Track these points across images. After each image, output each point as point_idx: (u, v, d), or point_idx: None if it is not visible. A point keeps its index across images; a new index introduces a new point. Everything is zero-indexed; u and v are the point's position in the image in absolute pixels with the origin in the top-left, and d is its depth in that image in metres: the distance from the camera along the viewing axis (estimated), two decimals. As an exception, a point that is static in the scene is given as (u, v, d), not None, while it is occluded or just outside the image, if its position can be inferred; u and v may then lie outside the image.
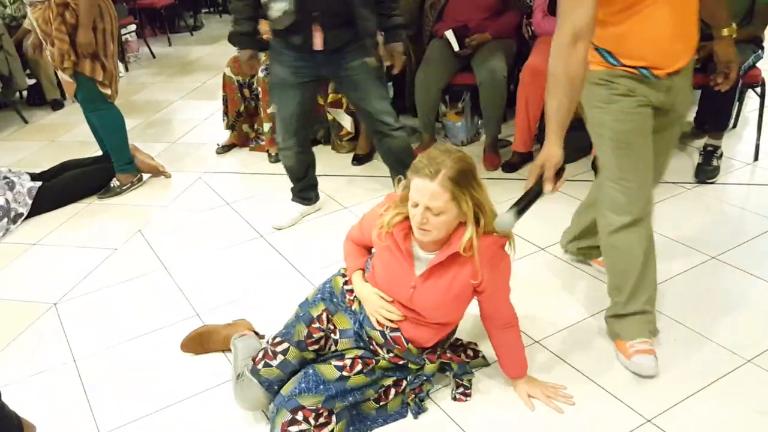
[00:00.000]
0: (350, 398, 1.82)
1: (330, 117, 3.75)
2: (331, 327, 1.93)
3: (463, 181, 1.65)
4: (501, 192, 3.19)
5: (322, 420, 1.77)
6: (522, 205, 1.62)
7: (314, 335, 1.92)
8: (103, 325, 2.47)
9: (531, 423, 1.85)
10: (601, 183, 1.97)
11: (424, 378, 1.92)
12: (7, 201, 3.29)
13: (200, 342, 2.23)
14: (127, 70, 6.31)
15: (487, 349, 2.08)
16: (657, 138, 1.91)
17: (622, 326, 2.05)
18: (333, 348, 1.94)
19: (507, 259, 1.82)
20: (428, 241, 1.75)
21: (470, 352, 2.08)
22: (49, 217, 3.40)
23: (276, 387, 1.86)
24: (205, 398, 2.05)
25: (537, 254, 2.66)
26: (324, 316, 1.93)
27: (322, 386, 1.79)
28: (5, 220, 3.26)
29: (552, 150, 1.66)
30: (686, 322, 2.19)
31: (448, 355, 1.98)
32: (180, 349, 2.25)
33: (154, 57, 6.84)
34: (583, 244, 2.45)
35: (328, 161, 3.77)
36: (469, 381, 1.98)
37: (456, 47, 3.45)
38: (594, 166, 3.13)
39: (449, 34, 3.46)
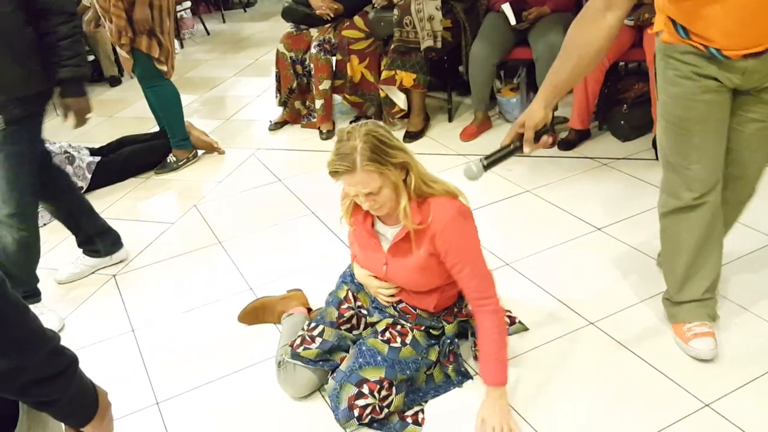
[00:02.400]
0: (407, 371, 1.83)
1: (382, 94, 3.72)
2: (359, 304, 1.98)
3: (380, 153, 1.60)
4: (555, 170, 3.13)
5: (384, 392, 1.79)
6: (493, 159, 1.58)
7: (345, 315, 1.98)
8: (161, 297, 2.53)
9: (584, 403, 1.81)
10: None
11: (448, 341, 1.92)
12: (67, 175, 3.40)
13: (256, 315, 2.28)
14: (182, 47, 6.41)
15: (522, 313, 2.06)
16: (747, 131, 1.79)
17: (678, 310, 2.00)
18: (364, 324, 1.99)
19: (465, 224, 1.73)
20: (387, 215, 1.75)
21: (506, 319, 2.08)
22: (108, 191, 3.49)
23: (321, 363, 1.91)
24: (259, 369, 2.08)
25: (592, 234, 2.59)
26: (350, 295, 1.99)
27: (379, 357, 1.82)
28: (67, 193, 3.37)
29: (535, 110, 1.58)
30: (749, 306, 2.10)
31: (464, 312, 1.98)
32: (237, 320, 2.29)
33: (208, 34, 6.91)
34: None
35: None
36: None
37: (513, 21, 3.36)
38: (654, 145, 3.02)
39: (506, 8, 3.36)
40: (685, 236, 1.89)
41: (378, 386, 1.78)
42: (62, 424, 0.96)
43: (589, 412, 1.80)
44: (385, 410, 1.79)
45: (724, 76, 1.69)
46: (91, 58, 5.44)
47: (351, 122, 3.99)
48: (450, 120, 3.88)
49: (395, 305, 1.91)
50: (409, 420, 1.82)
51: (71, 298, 2.57)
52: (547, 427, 1.76)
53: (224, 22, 7.39)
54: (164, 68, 3.41)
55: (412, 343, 1.88)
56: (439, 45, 3.50)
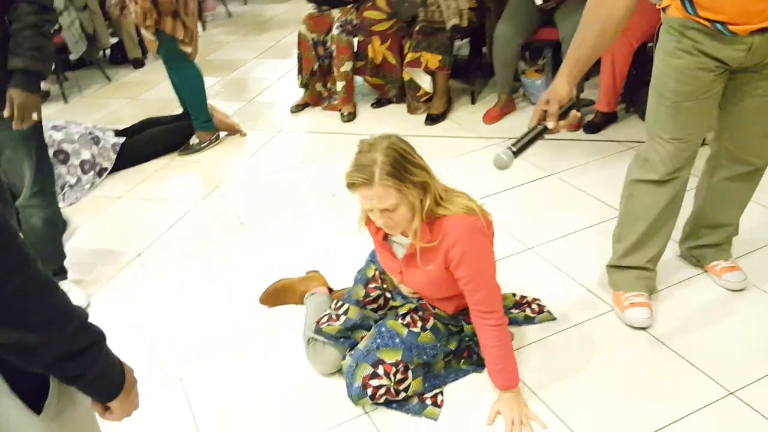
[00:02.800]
0: (424, 356, 1.83)
1: (406, 77, 3.69)
2: (385, 286, 1.98)
3: (400, 170, 1.53)
4: (580, 154, 3.09)
5: (399, 376, 1.79)
6: (521, 144, 1.52)
7: (371, 294, 1.97)
8: (184, 277, 2.56)
9: (607, 389, 1.80)
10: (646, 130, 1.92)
11: (467, 337, 1.91)
12: (92, 155, 3.43)
13: (277, 296, 2.29)
14: (204, 29, 6.41)
15: (544, 298, 2.05)
16: (751, 106, 1.79)
17: (618, 277, 2.07)
18: (390, 305, 1.99)
19: (475, 239, 1.65)
20: (401, 233, 1.71)
21: (535, 307, 2.09)
22: (133, 171, 3.52)
23: (342, 340, 1.92)
24: (281, 349, 2.10)
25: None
26: (377, 275, 1.98)
27: (397, 339, 1.82)
28: (91, 173, 3.41)
29: (559, 84, 1.57)
30: (780, 294, 2.07)
31: None
32: (258, 302, 2.31)
33: (230, 16, 6.91)
34: (694, 243, 2.21)
35: (401, 121, 3.74)
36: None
37: (539, 0, 3.30)
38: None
39: (532, -13, 3.31)
40: (649, 205, 1.94)
41: (393, 368, 1.78)
42: (89, 398, 0.97)
43: (611, 398, 1.78)
44: (402, 393, 1.80)
45: (727, 54, 1.68)
46: (114, 40, 5.48)
47: (372, 105, 3.98)
48: (473, 102, 3.85)
49: (415, 300, 1.91)
50: (429, 401, 1.82)
51: (96, 277, 2.61)
52: (569, 413, 1.75)
53: (246, 3, 7.38)
54: (188, 50, 3.42)
55: (432, 329, 1.87)
56: (465, 23, 3.46)
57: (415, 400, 1.82)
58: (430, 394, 1.84)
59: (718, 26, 1.62)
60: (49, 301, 0.81)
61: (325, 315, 1.98)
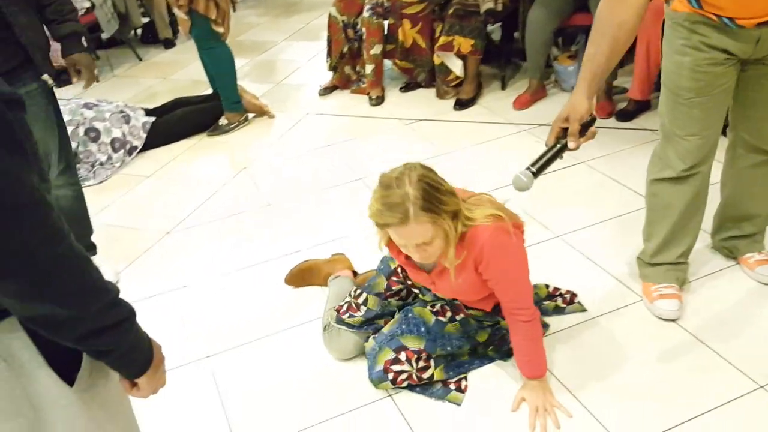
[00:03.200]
0: (448, 347, 1.82)
1: (437, 61, 3.65)
2: (410, 282, 1.94)
3: (434, 202, 1.47)
4: (610, 142, 3.04)
5: (422, 363, 1.79)
6: (541, 164, 1.47)
7: (393, 288, 1.94)
8: (211, 256, 2.58)
9: (633, 380, 1.78)
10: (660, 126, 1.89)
11: (504, 332, 1.89)
12: (123, 134, 3.47)
13: (302, 277, 2.30)
14: (234, 10, 6.41)
15: (572, 286, 2.03)
16: (764, 97, 1.76)
17: (649, 270, 2.05)
18: (413, 297, 1.96)
19: (509, 247, 1.61)
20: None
21: (567, 297, 2.07)
22: (162, 151, 3.56)
23: (364, 327, 1.92)
24: (305, 329, 2.11)
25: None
26: (401, 269, 1.94)
27: (423, 328, 1.81)
28: (122, 152, 3.45)
29: (578, 101, 1.51)
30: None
31: None
32: (284, 282, 2.32)
33: (260, -3, 6.90)
34: (725, 234, 2.18)
35: (429, 106, 3.71)
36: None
37: (573, -15, 3.25)
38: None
39: (566, -28, 3.25)
40: (673, 204, 1.93)
41: (415, 356, 1.78)
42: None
43: (638, 389, 1.76)
44: (425, 380, 1.80)
45: (735, 46, 1.65)
46: (146, 20, 5.52)
47: (401, 89, 3.95)
48: (503, 88, 3.80)
49: (451, 299, 1.87)
50: (452, 386, 1.82)
51: (124, 255, 2.64)
52: (595, 402, 1.73)
53: (277, -15, 7.36)
54: (221, 30, 3.42)
55: (461, 321, 1.84)
56: (500, 7, 3.42)
57: (439, 385, 1.82)
58: (454, 379, 1.84)
59: (725, 20, 1.60)
60: (83, 276, 0.82)
61: (345, 303, 1.97)
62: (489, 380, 1.85)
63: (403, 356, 1.78)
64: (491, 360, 1.90)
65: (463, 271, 1.64)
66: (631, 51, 3.22)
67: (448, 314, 1.85)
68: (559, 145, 1.51)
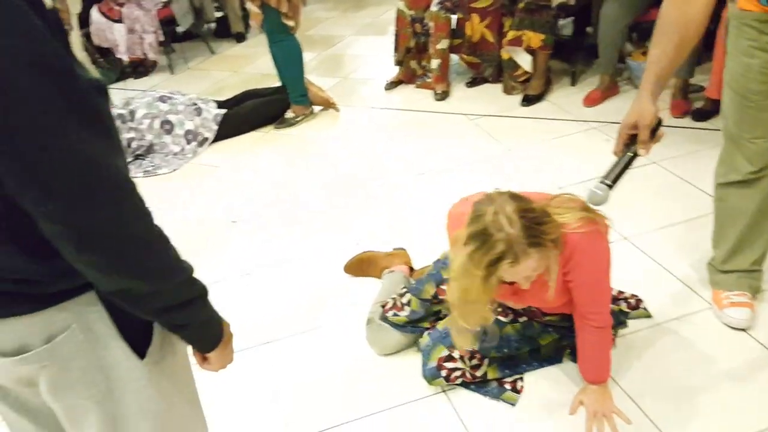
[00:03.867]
0: (504, 349, 1.80)
1: (505, 56, 3.60)
2: None
3: (538, 235, 1.40)
4: (685, 142, 2.93)
5: (475, 362, 1.78)
6: (615, 175, 1.44)
7: (440, 296, 1.89)
8: (276, 244, 2.64)
9: (698, 388, 1.71)
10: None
11: (571, 338, 1.82)
12: (195, 126, 3.59)
13: (360, 267, 2.33)
14: (305, 4, 6.49)
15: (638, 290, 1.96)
16: None
17: (722, 278, 1.98)
18: None
19: (601, 252, 1.58)
20: None
21: (632, 302, 2.01)
22: (232, 142, 3.65)
23: (408, 327, 1.92)
24: (362, 323, 2.13)
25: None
26: None
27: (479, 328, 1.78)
28: (193, 143, 3.56)
29: (645, 107, 1.45)
30: None
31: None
32: (342, 270, 2.36)
33: (330, -8, 6.98)
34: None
35: (495, 101, 3.66)
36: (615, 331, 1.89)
37: (649, -21, 3.13)
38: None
39: (643, -35, 3.14)
40: (741, 208, 1.85)
41: (469, 354, 1.77)
42: (188, 347, 1.03)
43: (701, 399, 1.70)
44: (479, 378, 1.78)
45: None
46: (219, 14, 5.67)
47: (467, 84, 3.92)
48: (573, 84, 3.71)
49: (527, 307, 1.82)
50: (508, 386, 1.80)
51: (192, 240, 2.73)
52: (656, 410, 1.68)
53: (347, -20, 7.42)
54: (291, 23, 3.48)
55: (524, 324, 1.81)
56: (572, 1, 3.34)
57: (494, 384, 1.81)
58: (510, 379, 1.81)
59: None
60: (163, 253, 0.86)
61: (391, 300, 1.97)
62: (546, 381, 1.82)
63: (456, 354, 1.77)
64: (550, 363, 1.86)
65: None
66: (708, 48, 3.09)
67: (510, 315, 1.82)
68: (630, 154, 1.48)
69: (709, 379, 1.75)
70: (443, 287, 1.90)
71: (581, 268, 1.56)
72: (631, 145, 1.48)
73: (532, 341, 1.82)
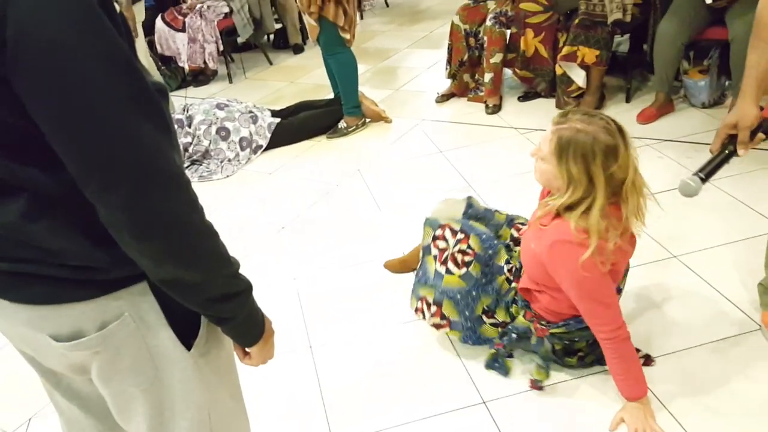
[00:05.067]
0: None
1: (559, 71, 3.59)
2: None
3: (576, 148, 1.56)
4: (744, 160, 2.82)
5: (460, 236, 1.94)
6: (709, 169, 1.46)
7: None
8: (323, 250, 2.69)
9: (746, 413, 1.67)
10: None
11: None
12: (250, 133, 3.70)
13: (404, 263, 2.43)
14: (362, 18, 6.62)
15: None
16: None
17: None
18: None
19: (562, 257, 1.59)
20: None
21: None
22: (285, 150, 3.75)
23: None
24: (405, 330, 2.16)
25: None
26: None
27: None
28: (248, 150, 3.67)
29: (747, 109, 1.47)
30: None
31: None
32: (383, 266, 2.47)
33: (387, 5, 7.07)
34: None
35: (547, 116, 3.62)
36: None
37: (709, -2, 3.08)
38: None
39: (703, -19, 3.08)
40: None
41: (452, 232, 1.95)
42: (231, 341, 1.06)
43: (747, 422, 1.65)
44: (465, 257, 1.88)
45: None
46: (278, 26, 5.82)
47: (519, 98, 3.92)
48: (627, 101, 3.66)
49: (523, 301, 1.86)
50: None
51: (242, 243, 2.81)
52: (699, 431, 1.64)
53: (403, -6, 7.51)
54: (347, 36, 3.56)
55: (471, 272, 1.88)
56: (628, 18, 3.31)
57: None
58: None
59: None
60: (214, 246, 0.90)
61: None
62: (587, 397, 1.80)
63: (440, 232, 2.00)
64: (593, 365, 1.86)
65: (538, 244, 1.66)
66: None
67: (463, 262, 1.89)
68: (727, 152, 1.50)
69: (757, 401, 1.70)
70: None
71: (552, 267, 1.64)
72: (729, 144, 1.50)
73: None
